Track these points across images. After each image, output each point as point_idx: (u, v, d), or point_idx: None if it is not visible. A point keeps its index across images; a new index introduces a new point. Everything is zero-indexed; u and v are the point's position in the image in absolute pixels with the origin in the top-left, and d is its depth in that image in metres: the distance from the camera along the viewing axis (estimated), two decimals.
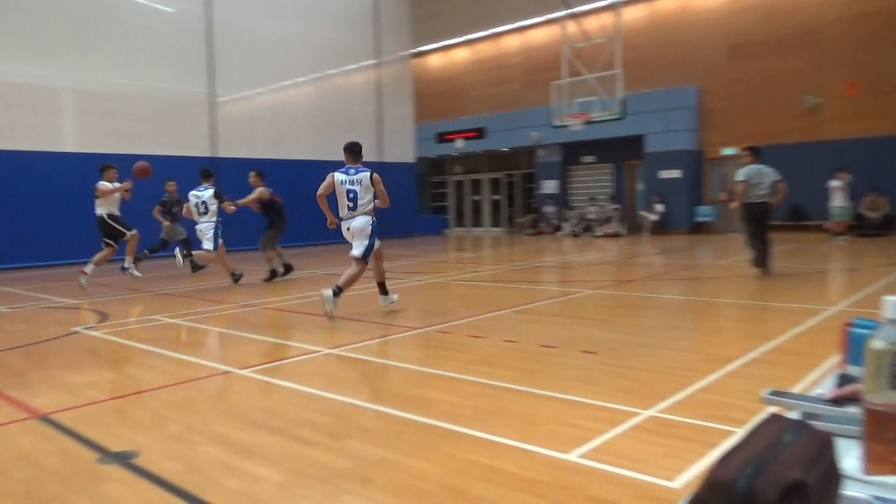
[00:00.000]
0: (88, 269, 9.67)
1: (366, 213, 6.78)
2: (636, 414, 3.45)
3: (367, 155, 22.84)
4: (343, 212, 6.82)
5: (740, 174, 9.25)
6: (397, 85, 22.85)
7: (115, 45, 15.67)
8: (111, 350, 5.68)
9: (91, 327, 6.71)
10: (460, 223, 27.40)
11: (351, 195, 6.73)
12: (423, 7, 24.63)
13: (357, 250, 6.76)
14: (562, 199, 22.83)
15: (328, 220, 7.11)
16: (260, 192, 10.33)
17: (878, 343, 0.89)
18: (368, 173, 6.80)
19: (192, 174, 16.71)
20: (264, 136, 18.61)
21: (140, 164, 9.62)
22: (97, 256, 9.84)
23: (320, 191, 6.80)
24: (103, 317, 7.37)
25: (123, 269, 10.56)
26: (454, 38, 25.66)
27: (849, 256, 12.04)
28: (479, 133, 24.23)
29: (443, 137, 25.23)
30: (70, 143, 15.10)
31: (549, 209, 22.66)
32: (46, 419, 3.69)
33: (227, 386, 4.47)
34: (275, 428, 3.47)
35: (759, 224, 9.19)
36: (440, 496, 2.58)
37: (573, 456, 2.91)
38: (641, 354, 4.85)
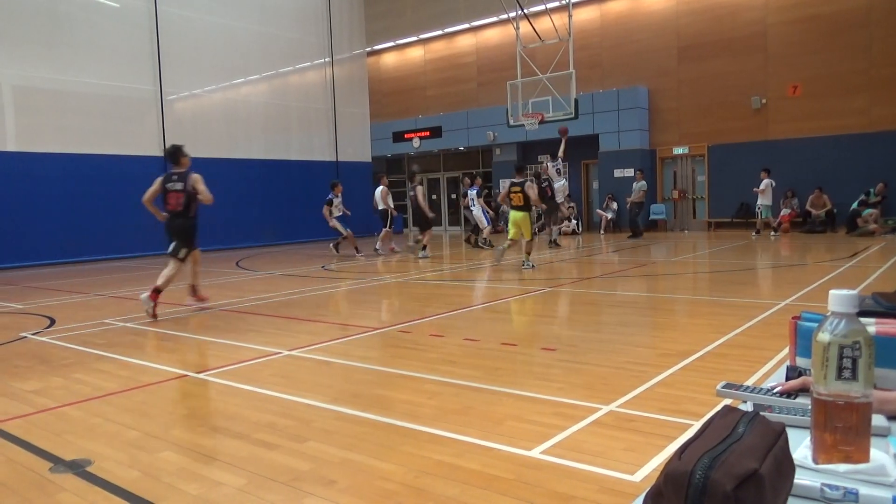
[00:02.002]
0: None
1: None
2: (596, 409, 3.52)
3: (322, 154, 22.55)
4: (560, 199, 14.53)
5: (643, 187, 17.22)
6: (352, 83, 22.64)
7: (57, 41, 15.11)
8: (61, 356, 5.50)
9: (39, 332, 6.49)
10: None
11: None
12: (376, 5, 24.47)
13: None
14: None
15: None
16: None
17: (824, 335, 0.92)
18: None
19: (143, 173, 16.33)
20: (216, 135, 18.19)
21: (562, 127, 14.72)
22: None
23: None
24: (51, 321, 7.13)
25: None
26: (408, 36, 25.54)
27: (795, 252, 12.44)
28: (435, 132, 24.22)
29: (399, 136, 25.14)
30: (10, 142, 14.52)
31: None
32: None
33: (185, 390, 4.38)
34: (235, 432, 3.42)
35: (640, 213, 17.50)
36: (403, 495, 2.59)
37: (535, 452, 2.95)
38: (600, 350, 4.94)
